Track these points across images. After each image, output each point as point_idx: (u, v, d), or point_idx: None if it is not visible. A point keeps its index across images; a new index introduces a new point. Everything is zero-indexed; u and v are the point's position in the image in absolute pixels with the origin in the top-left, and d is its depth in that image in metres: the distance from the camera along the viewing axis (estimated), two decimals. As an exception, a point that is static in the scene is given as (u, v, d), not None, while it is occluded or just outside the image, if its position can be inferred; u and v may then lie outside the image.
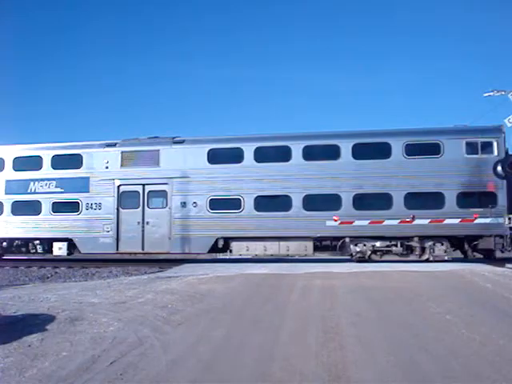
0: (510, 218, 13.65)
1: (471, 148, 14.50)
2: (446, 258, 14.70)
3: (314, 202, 15.21)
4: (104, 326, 7.31)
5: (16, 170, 16.85)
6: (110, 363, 5.59)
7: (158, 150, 16.29)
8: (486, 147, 14.40)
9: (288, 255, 16.15)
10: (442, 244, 14.62)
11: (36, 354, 5.98)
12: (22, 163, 16.52)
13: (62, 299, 9.60)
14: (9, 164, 17.30)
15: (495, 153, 14.30)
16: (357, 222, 14.61)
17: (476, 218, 14.04)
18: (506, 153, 14.24)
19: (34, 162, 16.65)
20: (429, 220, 14.36)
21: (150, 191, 16.27)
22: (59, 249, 16.30)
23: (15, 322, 7.87)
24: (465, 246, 14.78)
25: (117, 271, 14.83)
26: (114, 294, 10.05)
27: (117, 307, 8.67)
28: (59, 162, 16.70)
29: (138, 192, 16.29)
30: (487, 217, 13.99)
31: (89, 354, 5.93)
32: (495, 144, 14.27)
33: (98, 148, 16.85)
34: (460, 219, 14.24)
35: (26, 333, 7.00)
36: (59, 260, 17.68)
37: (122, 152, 16.52)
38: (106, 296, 9.88)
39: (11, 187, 16.92)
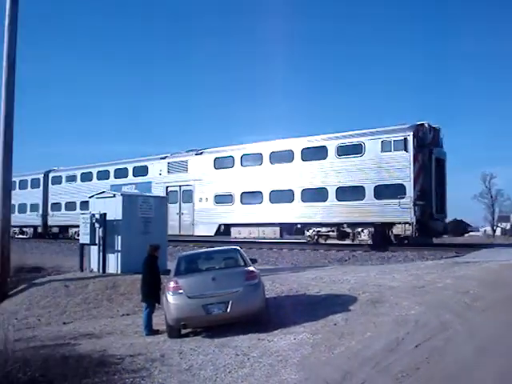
0: (415, 208, 16.96)
1: (386, 146, 18.00)
2: (369, 242, 18.47)
3: (278, 197, 21.08)
4: (405, 310, 7.91)
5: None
6: (414, 346, 6.09)
7: (187, 161, 24.83)
8: (398, 145, 17.66)
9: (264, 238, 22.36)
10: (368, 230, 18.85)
11: (342, 333, 7.05)
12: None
13: (361, 281, 10.74)
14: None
15: (405, 150, 17.49)
16: None
17: (388, 208, 17.76)
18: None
19: None
20: (353, 209, 18.67)
21: (183, 190, 24.62)
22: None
23: (319, 301, 9.39)
24: (386, 232, 18.40)
25: (412, 255, 16.07)
26: (412, 278, 10.61)
27: (416, 291, 9.18)
28: (135, 170, 26.92)
29: (176, 191, 24.74)
30: (397, 206, 17.37)
31: (393, 336, 6.62)
32: (405, 142, 17.45)
33: (155, 160, 26.30)
34: (377, 209, 17.98)
35: (330, 312, 8.30)
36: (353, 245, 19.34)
37: (168, 163, 25.40)
38: (403, 280, 10.53)
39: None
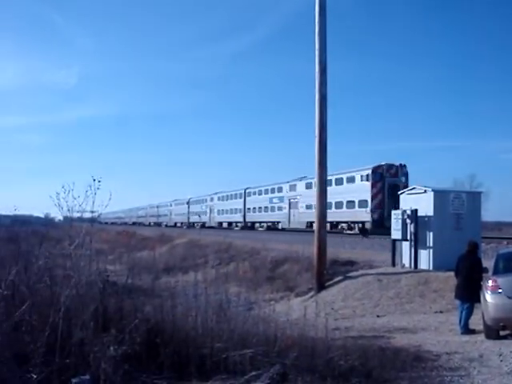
0: (371, 214, 33.82)
1: (362, 178, 36.05)
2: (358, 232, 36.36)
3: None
4: None
5: None
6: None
7: (296, 184, 46.37)
8: (365, 178, 35.68)
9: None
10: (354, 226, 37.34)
11: None
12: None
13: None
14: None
15: (367, 180, 34.95)
16: None
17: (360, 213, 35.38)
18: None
19: None
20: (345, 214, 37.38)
21: (294, 201, 45.88)
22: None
23: None
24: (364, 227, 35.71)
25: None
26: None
27: None
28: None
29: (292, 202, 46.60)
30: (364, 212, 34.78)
31: None
32: (367, 177, 35.19)
33: (285, 183, 48.94)
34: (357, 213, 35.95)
35: None
36: None
37: (289, 185, 47.22)
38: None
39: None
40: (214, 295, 7.54)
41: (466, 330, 10.10)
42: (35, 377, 5.12)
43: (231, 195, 59.09)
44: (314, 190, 44.16)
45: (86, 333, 5.56)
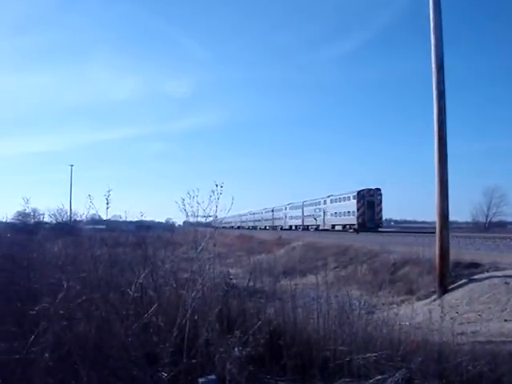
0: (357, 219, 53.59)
1: (351, 198, 56.42)
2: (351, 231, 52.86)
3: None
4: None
5: None
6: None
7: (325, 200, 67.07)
8: (351, 198, 56.29)
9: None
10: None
11: None
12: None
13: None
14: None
15: (354, 199, 55.03)
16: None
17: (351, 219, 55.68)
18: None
19: None
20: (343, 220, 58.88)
21: (322, 211, 66.92)
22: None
23: None
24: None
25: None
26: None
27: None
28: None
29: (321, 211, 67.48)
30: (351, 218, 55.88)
31: None
32: (353, 197, 55.09)
33: (322, 199, 67.81)
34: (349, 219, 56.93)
35: None
36: None
37: (324, 201, 66.52)
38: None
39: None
40: (335, 298, 7.46)
41: None
42: (165, 375, 5.35)
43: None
44: (336, 204, 59.42)
45: (212, 334, 5.73)
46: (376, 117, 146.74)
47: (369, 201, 52.63)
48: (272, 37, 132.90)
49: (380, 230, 51.83)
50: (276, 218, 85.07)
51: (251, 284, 7.31)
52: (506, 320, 12.29)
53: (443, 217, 16.05)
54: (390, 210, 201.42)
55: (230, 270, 8.84)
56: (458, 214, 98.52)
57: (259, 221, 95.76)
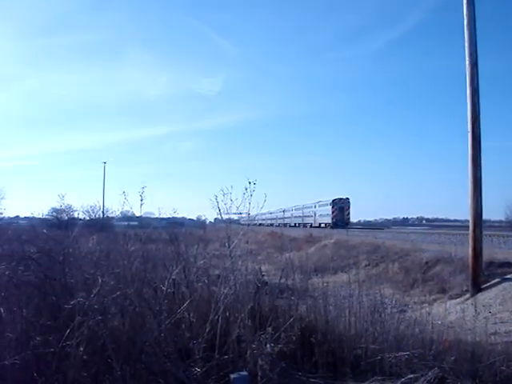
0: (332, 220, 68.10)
1: (326, 204, 73.31)
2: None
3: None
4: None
5: None
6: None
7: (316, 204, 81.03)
8: (328, 204, 71.77)
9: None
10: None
11: None
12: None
13: None
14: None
15: (330, 205, 70.53)
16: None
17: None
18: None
19: None
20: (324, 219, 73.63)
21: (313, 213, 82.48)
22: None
23: None
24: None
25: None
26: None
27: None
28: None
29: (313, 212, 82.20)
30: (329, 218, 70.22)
31: None
32: (330, 204, 70.35)
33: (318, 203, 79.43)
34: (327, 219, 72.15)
35: None
36: None
37: (315, 205, 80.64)
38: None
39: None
40: (366, 296, 7.39)
41: None
42: (198, 370, 5.37)
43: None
44: (321, 208, 74.97)
45: (244, 330, 5.72)
46: (409, 113, 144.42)
47: (340, 207, 70.20)
48: (303, 35, 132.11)
49: (349, 227, 66.35)
50: (306, 216, 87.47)
51: (283, 281, 7.28)
52: (541, 321, 12.01)
53: (476, 216, 15.80)
54: (422, 209, 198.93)
55: (262, 267, 8.81)
56: (492, 212, 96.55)
57: (289, 218, 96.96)
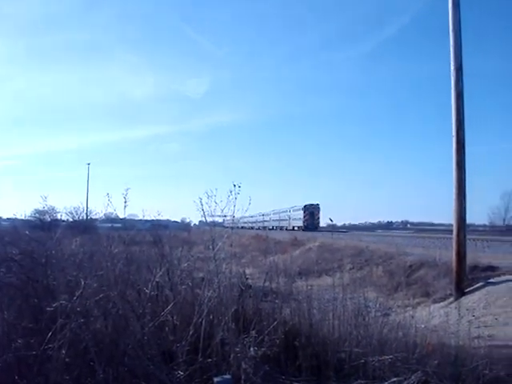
0: (303, 223, 78.46)
1: (300, 209, 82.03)
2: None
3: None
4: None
5: None
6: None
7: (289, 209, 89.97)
8: (300, 209, 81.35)
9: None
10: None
11: None
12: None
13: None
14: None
15: (301, 210, 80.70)
16: None
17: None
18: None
19: None
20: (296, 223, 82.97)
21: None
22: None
23: None
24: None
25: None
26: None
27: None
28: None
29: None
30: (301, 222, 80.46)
31: None
32: (302, 209, 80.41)
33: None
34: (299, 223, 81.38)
35: None
36: None
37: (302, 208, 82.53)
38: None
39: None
40: (350, 299, 7.46)
41: None
42: (182, 373, 5.38)
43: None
44: (294, 213, 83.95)
45: (227, 333, 5.75)
46: (391, 118, 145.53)
47: (311, 212, 77.97)
48: (290, 37, 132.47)
49: (319, 230, 70.58)
50: (282, 220, 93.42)
51: (267, 284, 7.32)
52: (521, 324, 12.19)
53: (460, 220, 15.97)
54: (407, 212, 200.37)
55: (246, 270, 8.86)
56: (476, 216, 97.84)
57: (268, 221, 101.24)
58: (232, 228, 7.62)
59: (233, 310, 6.08)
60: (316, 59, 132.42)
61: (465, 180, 15.87)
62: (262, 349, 5.62)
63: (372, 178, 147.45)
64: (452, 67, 15.99)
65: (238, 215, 7.37)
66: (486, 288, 15.28)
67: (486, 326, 12.14)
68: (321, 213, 78.34)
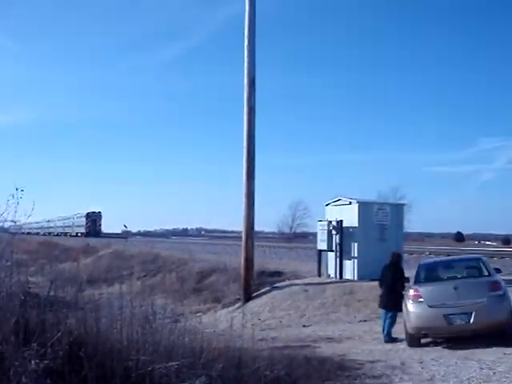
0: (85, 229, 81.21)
1: (82, 216, 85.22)
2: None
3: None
4: None
5: None
6: None
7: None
8: (83, 216, 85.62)
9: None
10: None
11: None
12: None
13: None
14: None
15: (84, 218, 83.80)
16: None
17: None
18: None
19: None
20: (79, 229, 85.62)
21: None
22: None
23: None
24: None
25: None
26: None
27: None
28: None
29: None
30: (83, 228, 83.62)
31: None
32: (85, 216, 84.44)
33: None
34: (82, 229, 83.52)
35: None
36: None
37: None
38: None
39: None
40: (140, 307, 7.46)
41: (389, 339, 10.52)
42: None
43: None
44: (78, 219, 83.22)
45: (7, 347, 5.37)
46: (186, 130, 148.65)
47: (93, 219, 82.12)
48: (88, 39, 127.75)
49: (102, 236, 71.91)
50: (67, 226, 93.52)
51: (52, 293, 6.98)
52: (304, 326, 13.32)
53: (249, 227, 16.86)
54: (202, 220, 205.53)
55: (32, 279, 8.32)
56: (266, 224, 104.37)
57: (53, 227, 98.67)
58: (15, 233, 7.11)
59: (13, 321, 5.68)
60: (117, 64, 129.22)
61: (253, 190, 16.81)
62: (45, 361, 5.34)
63: (169, 187, 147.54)
64: (245, 82, 16.82)
65: (20, 220, 6.89)
66: (272, 292, 16.42)
67: (270, 329, 13.10)
68: (103, 220, 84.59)
